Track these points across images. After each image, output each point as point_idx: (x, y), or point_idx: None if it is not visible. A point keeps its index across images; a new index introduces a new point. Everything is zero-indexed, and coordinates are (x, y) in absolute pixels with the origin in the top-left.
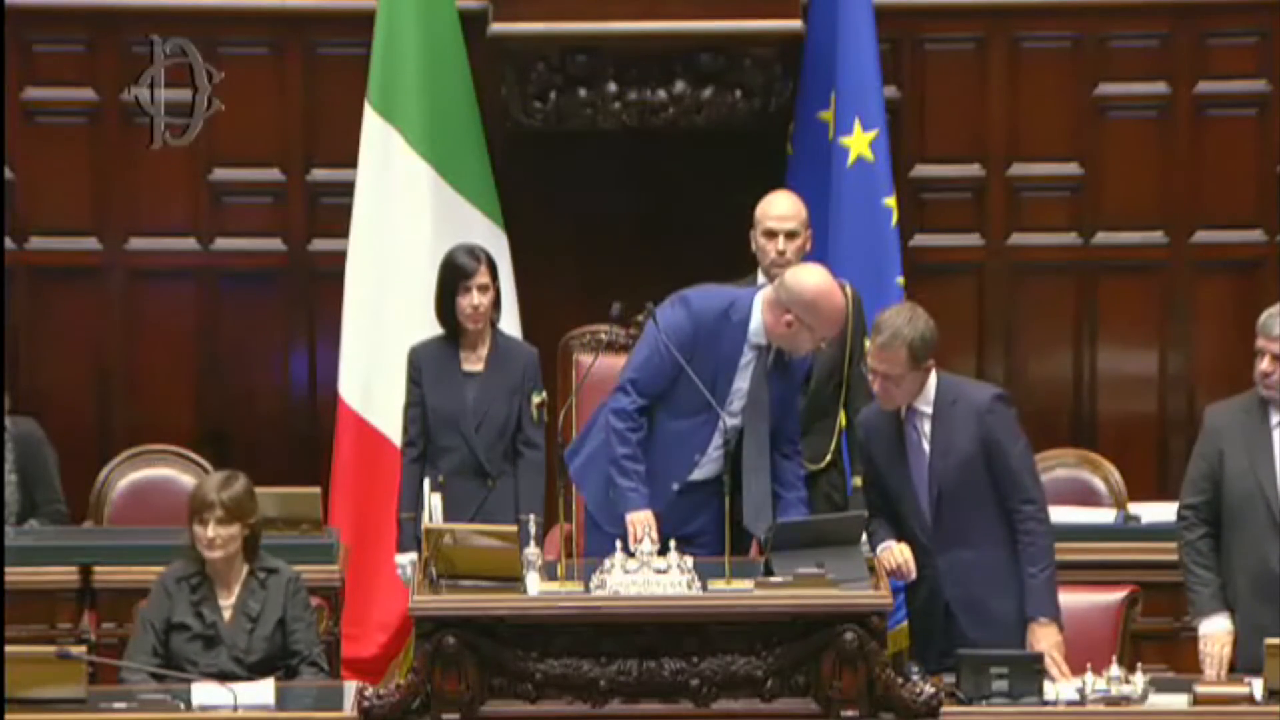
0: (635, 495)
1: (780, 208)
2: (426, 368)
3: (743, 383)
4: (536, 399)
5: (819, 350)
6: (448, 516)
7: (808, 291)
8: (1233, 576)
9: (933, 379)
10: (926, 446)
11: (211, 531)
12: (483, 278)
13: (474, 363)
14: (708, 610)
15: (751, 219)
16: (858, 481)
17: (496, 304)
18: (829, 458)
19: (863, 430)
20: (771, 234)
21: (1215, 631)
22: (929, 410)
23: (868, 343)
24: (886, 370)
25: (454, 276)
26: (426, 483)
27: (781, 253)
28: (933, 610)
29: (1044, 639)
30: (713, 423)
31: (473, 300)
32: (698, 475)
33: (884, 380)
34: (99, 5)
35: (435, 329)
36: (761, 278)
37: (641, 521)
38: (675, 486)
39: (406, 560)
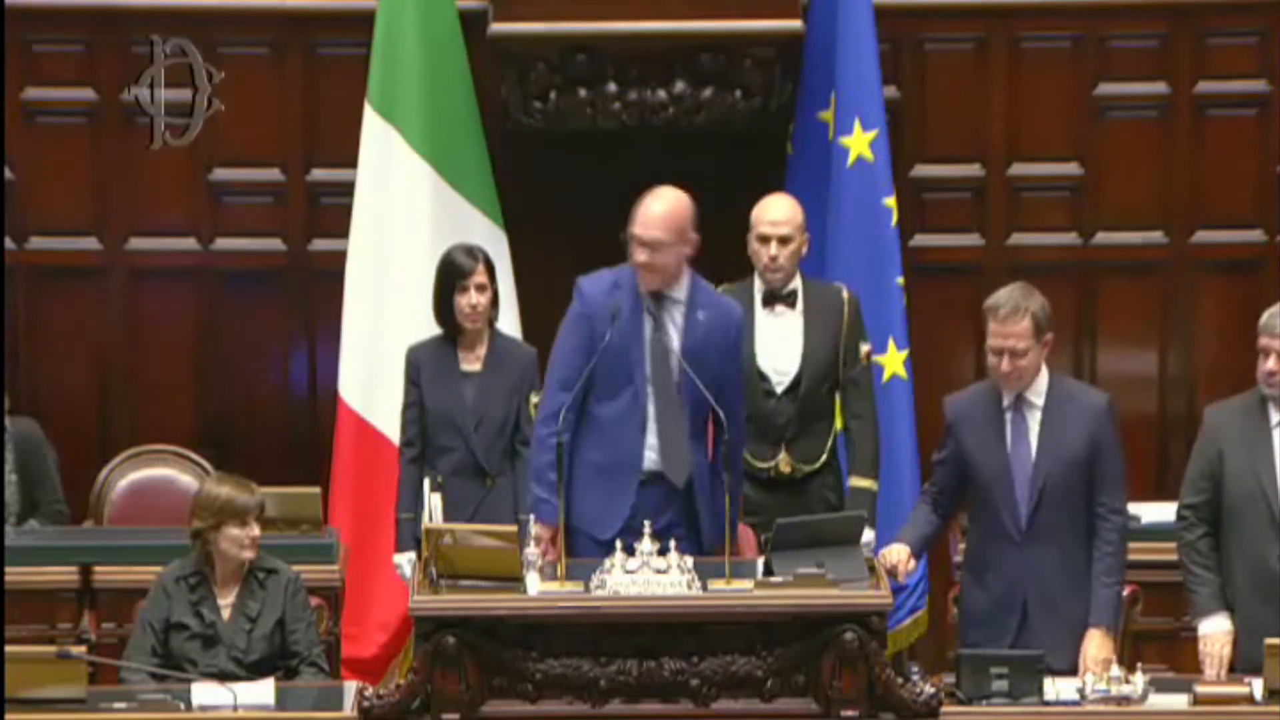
0: (545, 506)
1: (775, 212)
2: (425, 368)
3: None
4: (535, 399)
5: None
6: (447, 516)
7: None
8: (1233, 576)
9: (1044, 370)
10: (1034, 440)
11: (256, 530)
12: (480, 277)
13: (472, 363)
14: (708, 610)
15: (750, 220)
16: (854, 483)
17: (495, 303)
18: (824, 458)
19: (952, 413)
20: (765, 239)
21: (1215, 631)
22: (1040, 402)
23: (863, 346)
24: (1014, 345)
25: (452, 276)
26: (427, 482)
27: (774, 258)
28: (1009, 604)
29: (1103, 648)
30: (641, 399)
31: (471, 299)
32: (653, 465)
33: (1011, 357)
34: (99, 5)
35: (435, 329)
36: (757, 281)
37: (544, 534)
38: (639, 475)
39: (405, 560)
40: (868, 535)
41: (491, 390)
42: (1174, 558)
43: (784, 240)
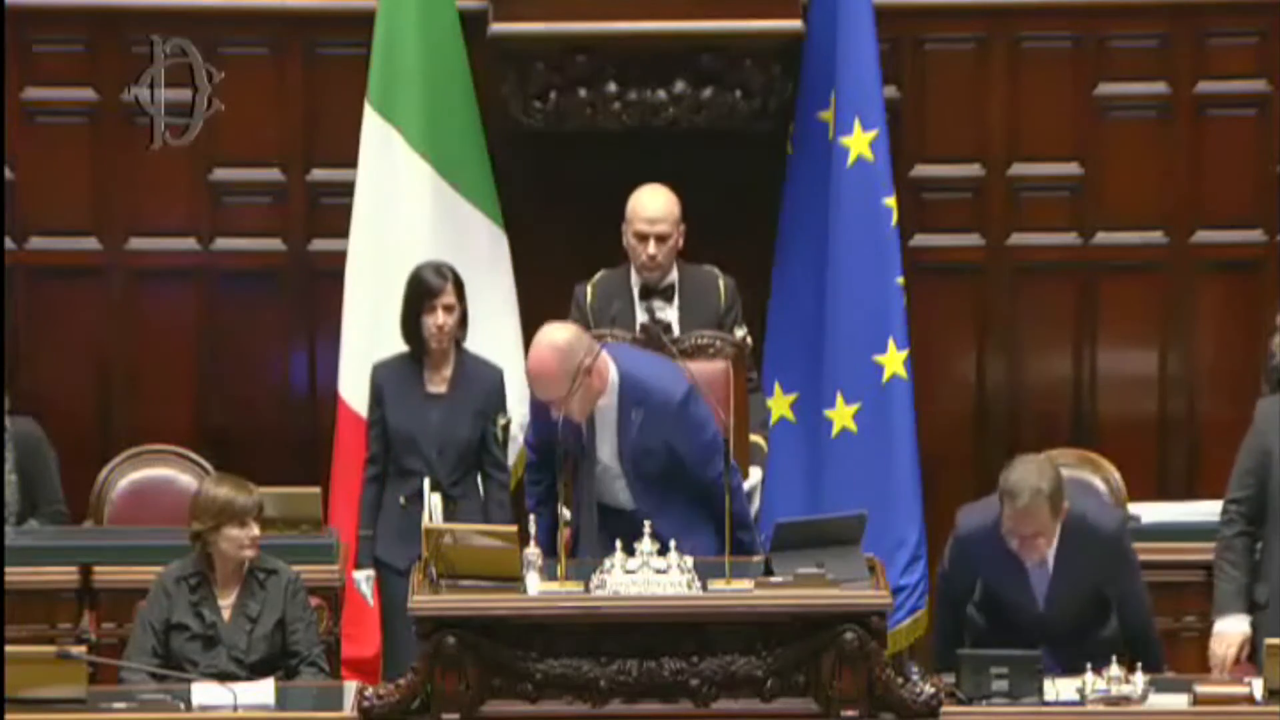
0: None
1: (652, 209)
2: (388, 388)
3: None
4: (501, 421)
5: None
6: (411, 539)
7: None
8: (1270, 572)
9: None
10: (1050, 571)
11: (256, 530)
12: (449, 297)
13: (438, 384)
14: (708, 610)
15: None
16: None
17: (463, 323)
18: None
19: (968, 546)
20: (643, 236)
21: (1228, 631)
22: (1052, 551)
23: (738, 331)
24: (1036, 530)
25: (420, 295)
26: (427, 482)
27: (653, 256)
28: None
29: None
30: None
31: (438, 319)
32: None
33: (1032, 539)
34: (99, 5)
35: None
36: (634, 274)
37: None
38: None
39: (364, 577)
40: (755, 475)
41: (457, 413)
42: (1175, 557)
43: (661, 238)
